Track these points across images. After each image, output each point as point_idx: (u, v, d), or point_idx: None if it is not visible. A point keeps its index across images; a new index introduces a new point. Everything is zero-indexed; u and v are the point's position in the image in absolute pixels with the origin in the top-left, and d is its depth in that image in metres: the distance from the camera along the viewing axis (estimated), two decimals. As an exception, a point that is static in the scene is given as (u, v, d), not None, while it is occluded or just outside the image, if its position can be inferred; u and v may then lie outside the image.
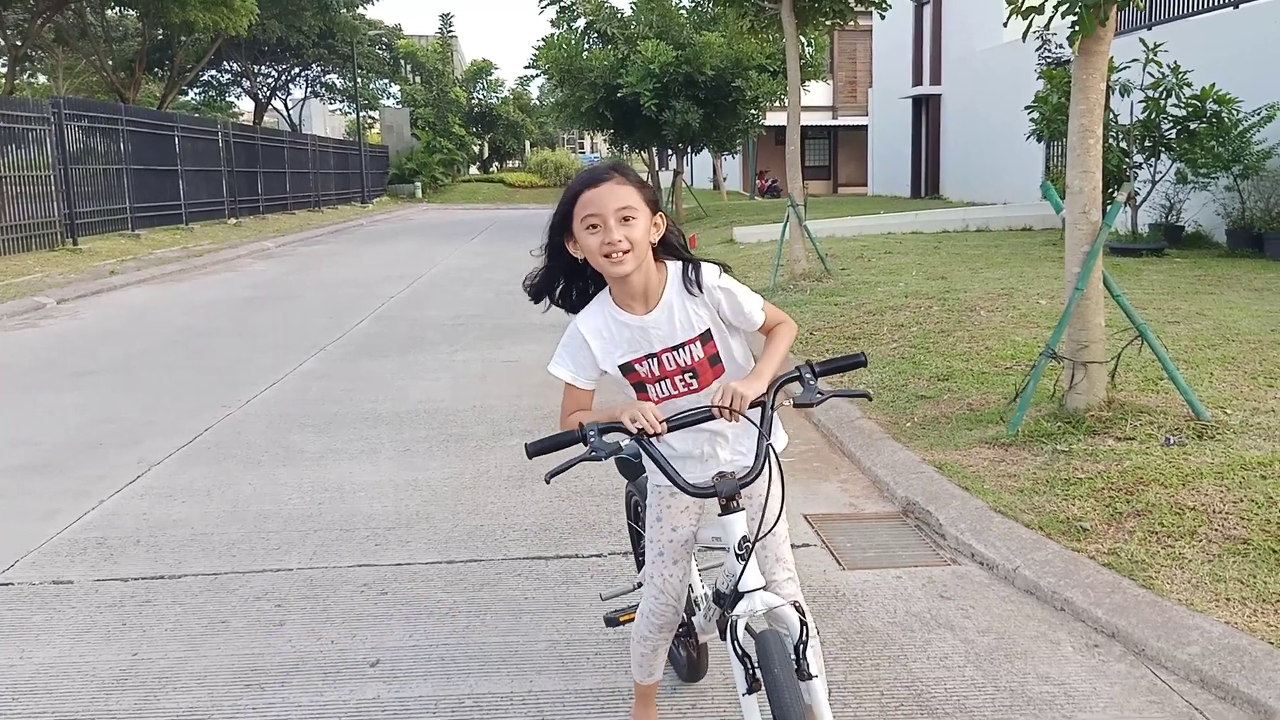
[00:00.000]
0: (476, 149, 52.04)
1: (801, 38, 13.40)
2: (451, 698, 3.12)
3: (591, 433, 2.18)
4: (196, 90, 43.09)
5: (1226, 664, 3.05)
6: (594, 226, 2.26)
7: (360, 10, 37.90)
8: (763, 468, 2.22)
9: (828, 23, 12.30)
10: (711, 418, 2.29)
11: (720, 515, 2.26)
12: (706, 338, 2.42)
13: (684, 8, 22.38)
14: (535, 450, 2.17)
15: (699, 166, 43.81)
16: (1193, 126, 12.56)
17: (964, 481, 4.69)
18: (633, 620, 2.79)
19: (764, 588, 2.25)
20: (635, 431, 2.20)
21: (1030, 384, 5.39)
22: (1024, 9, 5.35)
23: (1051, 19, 5.33)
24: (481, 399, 7.02)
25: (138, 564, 4.24)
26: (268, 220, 25.42)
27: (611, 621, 3.07)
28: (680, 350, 2.41)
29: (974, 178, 23.44)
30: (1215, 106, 12.40)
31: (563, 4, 22.66)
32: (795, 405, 2.23)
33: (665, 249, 2.42)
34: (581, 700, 3.09)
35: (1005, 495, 4.47)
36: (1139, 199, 13.32)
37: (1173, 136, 12.84)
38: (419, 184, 42.83)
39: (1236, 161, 12.23)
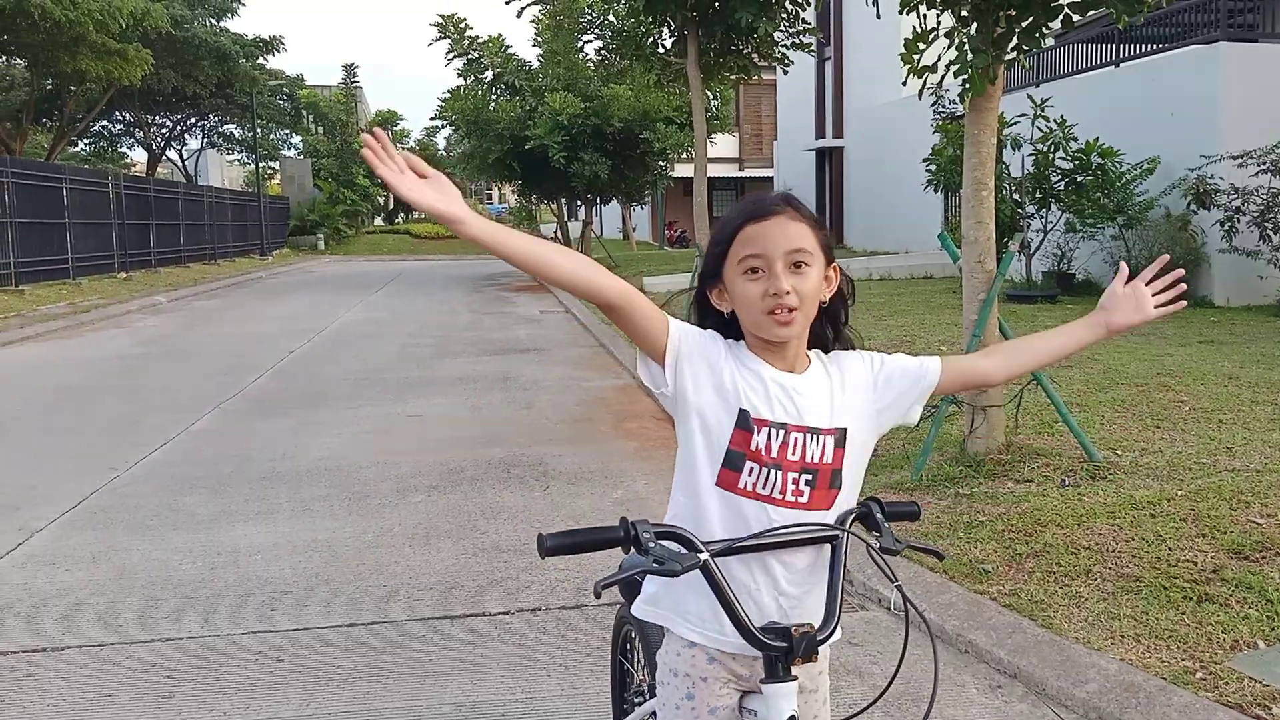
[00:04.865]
0: (381, 200, 51.54)
1: (707, 91, 13.64)
2: (350, 769, 3.00)
3: (647, 534, 1.61)
4: (87, 141, 41.79)
5: (1123, 700, 3.11)
6: (755, 271, 1.73)
7: (261, 60, 37.32)
8: (838, 622, 1.71)
9: (732, 77, 12.58)
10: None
11: (764, 683, 1.71)
12: (841, 440, 1.81)
13: (591, 61, 22.60)
14: (553, 548, 1.61)
15: (608, 217, 44.13)
16: (1079, 179, 13.16)
17: (870, 527, 4.73)
18: None
19: None
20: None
21: (932, 429, 5.49)
22: (919, 69, 5.56)
23: (944, 77, 5.54)
24: (385, 455, 6.85)
25: (18, 636, 4.00)
26: (160, 274, 24.69)
27: None
28: (814, 438, 1.78)
29: (876, 228, 24.10)
30: (1099, 160, 13.02)
31: (470, 56, 22.73)
32: (878, 551, 1.77)
33: (826, 315, 1.85)
34: (487, 766, 3.00)
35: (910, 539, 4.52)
36: (1032, 248, 13.84)
37: (1061, 188, 13.42)
38: (321, 236, 42.10)
39: (1121, 212, 12.83)
